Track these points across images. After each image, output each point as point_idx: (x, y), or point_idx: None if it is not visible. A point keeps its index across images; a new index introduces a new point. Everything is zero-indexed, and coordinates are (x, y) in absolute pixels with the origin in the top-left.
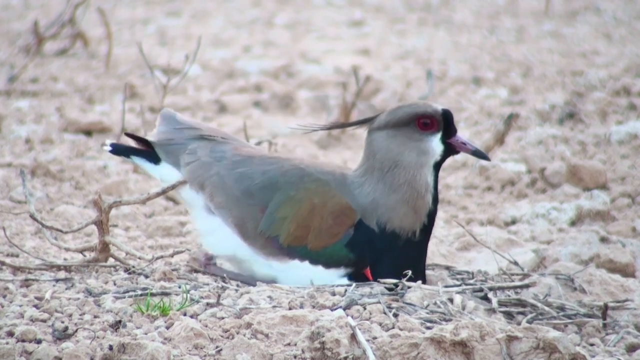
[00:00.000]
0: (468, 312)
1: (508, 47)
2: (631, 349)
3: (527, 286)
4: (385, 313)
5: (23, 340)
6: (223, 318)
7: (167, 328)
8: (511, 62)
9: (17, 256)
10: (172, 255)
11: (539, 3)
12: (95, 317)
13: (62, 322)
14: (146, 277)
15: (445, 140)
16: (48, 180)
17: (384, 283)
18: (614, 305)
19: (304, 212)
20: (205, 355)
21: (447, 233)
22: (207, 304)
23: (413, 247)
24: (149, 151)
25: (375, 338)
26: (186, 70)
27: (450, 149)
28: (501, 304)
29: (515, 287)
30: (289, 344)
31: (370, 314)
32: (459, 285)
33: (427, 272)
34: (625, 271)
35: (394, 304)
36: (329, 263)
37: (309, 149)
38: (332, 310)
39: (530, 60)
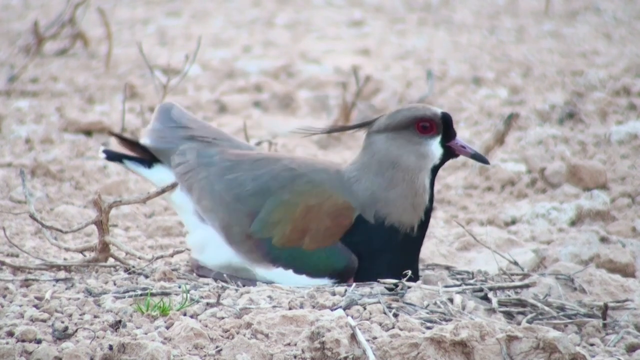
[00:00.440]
0: (468, 312)
1: (508, 47)
2: (631, 349)
3: (527, 286)
4: (385, 313)
5: (23, 340)
6: (223, 318)
7: (167, 328)
8: (511, 62)
9: (17, 256)
10: (172, 255)
11: (539, 3)
12: (95, 317)
13: (62, 322)
14: (146, 277)
15: (444, 143)
16: (48, 180)
17: (384, 283)
18: (614, 305)
19: (299, 214)
20: (205, 355)
21: (447, 233)
22: (207, 303)
23: (411, 243)
24: (141, 158)
25: (375, 338)
26: (186, 70)
27: (449, 152)
28: (501, 304)
29: (515, 287)
30: (289, 344)
31: (370, 314)
32: (459, 285)
33: (427, 272)
34: (625, 271)
35: (394, 304)
36: (314, 272)
37: (309, 149)
38: (332, 310)
39: (530, 60)
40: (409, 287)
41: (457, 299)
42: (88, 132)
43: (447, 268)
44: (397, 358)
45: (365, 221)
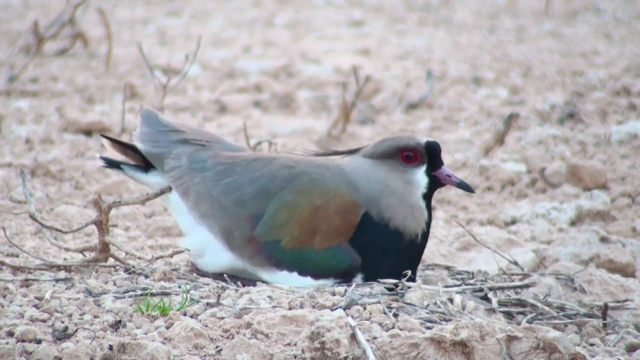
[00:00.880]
0: (468, 312)
1: (508, 47)
2: (631, 349)
3: (527, 286)
4: (385, 313)
5: (23, 340)
6: (223, 318)
7: (167, 328)
8: (511, 62)
9: (17, 256)
10: (171, 255)
11: (539, 3)
12: (95, 317)
13: (62, 322)
14: (146, 277)
15: (430, 172)
16: (48, 180)
17: (384, 283)
18: (614, 305)
19: (307, 215)
20: (205, 355)
21: (447, 233)
22: (207, 304)
23: (414, 250)
24: (136, 164)
25: (375, 338)
26: (186, 70)
27: (435, 181)
28: (501, 304)
29: (515, 287)
30: (289, 344)
31: (370, 314)
32: (459, 285)
33: (427, 272)
34: (625, 271)
35: (394, 304)
36: (319, 273)
37: (309, 149)
38: (332, 310)
39: (530, 60)
40: (409, 287)
41: (457, 299)
42: (88, 132)
43: (447, 268)
44: (397, 358)
45: (371, 218)
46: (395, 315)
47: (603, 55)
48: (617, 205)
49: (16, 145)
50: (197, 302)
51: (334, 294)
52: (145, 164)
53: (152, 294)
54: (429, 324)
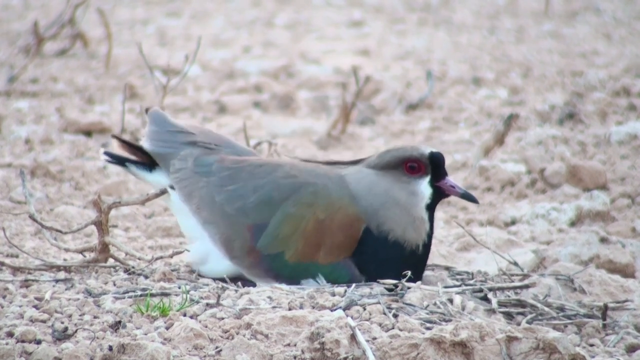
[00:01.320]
0: (468, 312)
1: (508, 47)
2: (631, 349)
3: (527, 287)
4: (385, 313)
5: (23, 341)
6: (223, 318)
7: (167, 328)
8: (511, 62)
9: (17, 257)
10: (171, 256)
11: (539, 3)
12: (95, 317)
13: (62, 322)
14: (146, 277)
15: (433, 183)
16: (48, 181)
17: (384, 284)
18: (614, 305)
19: (311, 229)
20: (205, 356)
21: (447, 233)
22: (207, 304)
23: (416, 260)
24: (142, 161)
25: (375, 338)
26: (186, 71)
27: (440, 192)
28: (501, 304)
29: (515, 288)
30: (288, 345)
31: (370, 314)
32: (459, 286)
33: (427, 272)
34: (625, 271)
35: (394, 305)
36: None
37: (309, 149)
38: (331, 310)
39: (530, 61)
40: (408, 288)
41: (457, 299)
42: (88, 133)
43: (447, 268)
44: (397, 358)
45: (370, 232)
46: (395, 316)
47: (603, 56)
48: (617, 206)
49: (16, 146)
50: (197, 302)
51: (333, 294)
52: (150, 163)
53: (152, 295)
54: (428, 325)
